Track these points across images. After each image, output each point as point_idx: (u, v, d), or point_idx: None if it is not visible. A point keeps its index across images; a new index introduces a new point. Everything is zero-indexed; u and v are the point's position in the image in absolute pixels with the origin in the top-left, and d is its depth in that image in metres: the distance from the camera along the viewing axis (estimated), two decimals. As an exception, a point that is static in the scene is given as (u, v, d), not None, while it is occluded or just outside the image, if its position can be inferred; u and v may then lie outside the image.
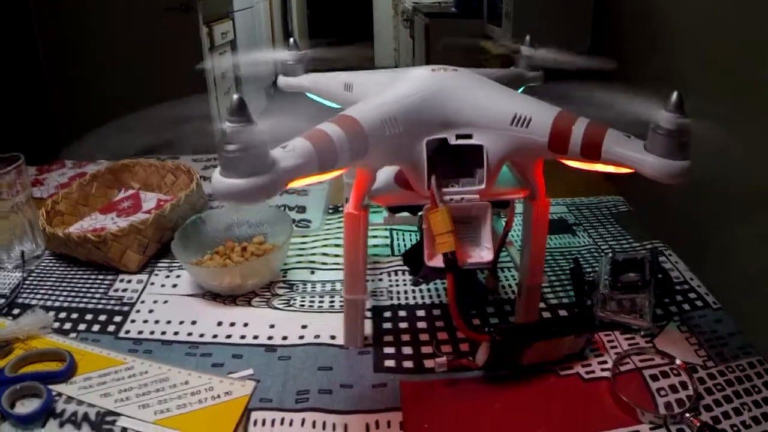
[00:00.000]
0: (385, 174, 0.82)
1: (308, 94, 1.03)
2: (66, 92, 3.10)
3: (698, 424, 0.72)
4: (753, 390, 0.80)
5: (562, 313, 0.97)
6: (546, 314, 0.97)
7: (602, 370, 0.84)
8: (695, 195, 1.49)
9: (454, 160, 0.77)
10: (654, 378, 0.82)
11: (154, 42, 3.16)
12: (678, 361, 0.84)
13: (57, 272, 1.10)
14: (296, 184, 0.63)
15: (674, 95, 0.64)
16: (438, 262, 0.73)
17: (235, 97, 0.57)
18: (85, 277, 1.08)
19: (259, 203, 1.13)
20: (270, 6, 5.80)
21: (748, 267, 1.35)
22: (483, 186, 0.74)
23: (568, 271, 1.06)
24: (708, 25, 1.62)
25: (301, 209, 1.32)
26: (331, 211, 1.32)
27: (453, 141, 0.74)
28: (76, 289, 1.04)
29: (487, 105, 0.74)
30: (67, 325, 0.94)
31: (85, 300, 1.01)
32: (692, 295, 1.01)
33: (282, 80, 1.06)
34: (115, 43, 3.18)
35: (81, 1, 3.13)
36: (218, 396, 0.79)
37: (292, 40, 1.07)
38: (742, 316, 0.97)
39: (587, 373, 0.84)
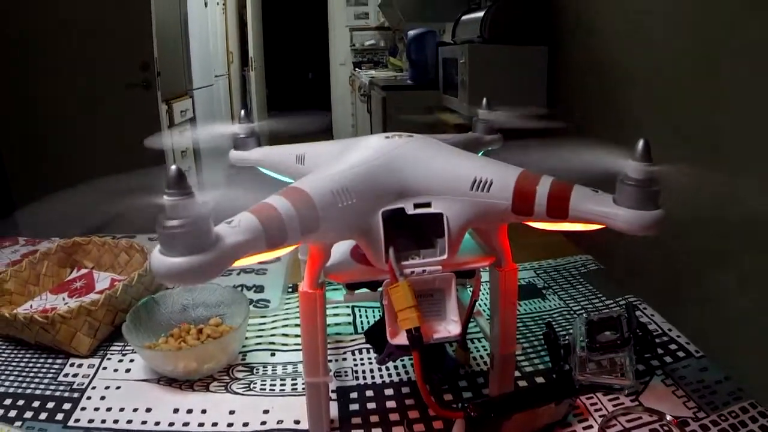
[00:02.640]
0: (341, 249, 0.78)
1: (260, 168, 1.00)
2: (24, 167, 3.06)
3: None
4: (750, 436, 0.77)
5: (539, 380, 0.93)
6: (522, 383, 0.93)
7: (588, 435, 0.80)
8: (665, 245, 1.49)
9: (412, 231, 0.73)
10: (645, 438, 0.78)
11: (114, 118, 3.16)
12: (668, 417, 0.81)
13: (2, 356, 1.03)
14: (243, 263, 0.58)
15: (640, 143, 0.62)
16: (402, 339, 0.69)
17: (173, 167, 0.53)
18: (33, 360, 1.01)
19: (207, 282, 1.07)
20: (229, 84, 5.86)
21: (727, 310, 1.34)
22: (445, 256, 0.70)
23: (541, 337, 1.02)
24: (660, 77, 1.65)
25: (259, 289, 1.28)
26: (290, 290, 1.28)
27: (411, 210, 0.70)
28: (23, 374, 0.98)
29: (445, 170, 0.71)
30: (12, 413, 0.87)
31: (32, 385, 0.94)
32: (673, 347, 0.99)
33: (233, 154, 1.02)
34: (74, 119, 3.17)
35: (39, 78, 3.12)
36: (174, 494, 0.73)
37: (243, 112, 1.04)
38: (727, 361, 0.95)
39: (573, 440, 0.79)
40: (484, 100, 1.04)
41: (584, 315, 0.93)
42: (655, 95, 1.67)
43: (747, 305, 1.28)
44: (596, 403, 0.86)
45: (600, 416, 0.83)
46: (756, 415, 0.81)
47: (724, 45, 1.38)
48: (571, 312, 1.13)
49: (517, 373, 0.93)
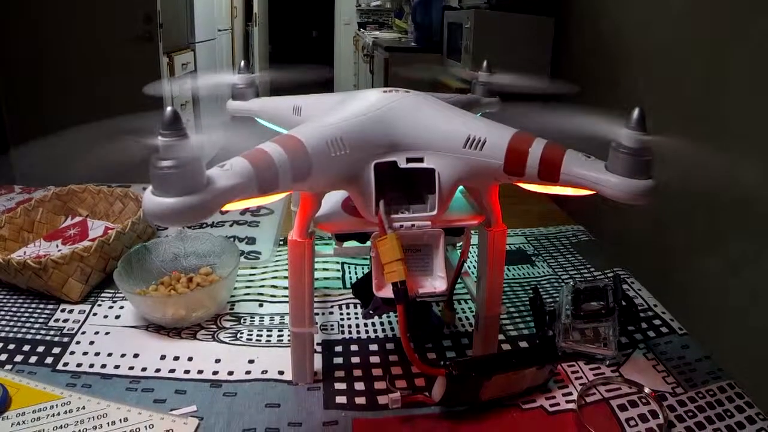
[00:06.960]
0: (332, 200, 0.79)
1: (257, 119, 0.99)
2: (22, 117, 3.05)
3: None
4: (726, 414, 0.78)
5: (523, 344, 0.94)
6: (506, 346, 0.94)
7: (567, 402, 0.81)
8: (657, 221, 1.49)
9: (404, 185, 0.73)
10: (622, 408, 0.80)
11: (114, 70, 3.13)
12: (646, 389, 0.82)
13: (-5, 300, 1.04)
14: (233, 206, 0.59)
15: (635, 111, 0.62)
16: (387, 292, 0.69)
17: (169, 108, 0.53)
18: (25, 306, 1.02)
19: (198, 230, 1.07)
20: (232, 39, 5.80)
21: (714, 292, 1.34)
22: (435, 212, 0.71)
23: (527, 302, 1.03)
24: (664, 56, 1.64)
25: (251, 240, 1.28)
26: (281, 242, 1.28)
27: (403, 164, 0.70)
28: (15, 318, 0.99)
29: (439, 127, 0.71)
30: (3, 356, 0.89)
31: (23, 330, 0.95)
32: (657, 322, 1.00)
33: (231, 104, 1.02)
34: (74, 69, 3.15)
35: (41, 26, 3.10)
36: (159, 434, 0.74)
37: (242, 62, 1.03)
38: (709, 340, 0.96)
39: (551, 405, 0.80)
40: (485, 63, 1.03)
41: (571, 283, 0.93)
42: (660, 76, 1.66)
43: (735, 288, 1.28)
44: (577, 371, 0.87)
45: (580, 384, 0.84)
46: (733, 395, 0.82)
47: (734, 27, 1.37)
48: (559, 280, 1.14)
49: (501, 337, 0.94)
